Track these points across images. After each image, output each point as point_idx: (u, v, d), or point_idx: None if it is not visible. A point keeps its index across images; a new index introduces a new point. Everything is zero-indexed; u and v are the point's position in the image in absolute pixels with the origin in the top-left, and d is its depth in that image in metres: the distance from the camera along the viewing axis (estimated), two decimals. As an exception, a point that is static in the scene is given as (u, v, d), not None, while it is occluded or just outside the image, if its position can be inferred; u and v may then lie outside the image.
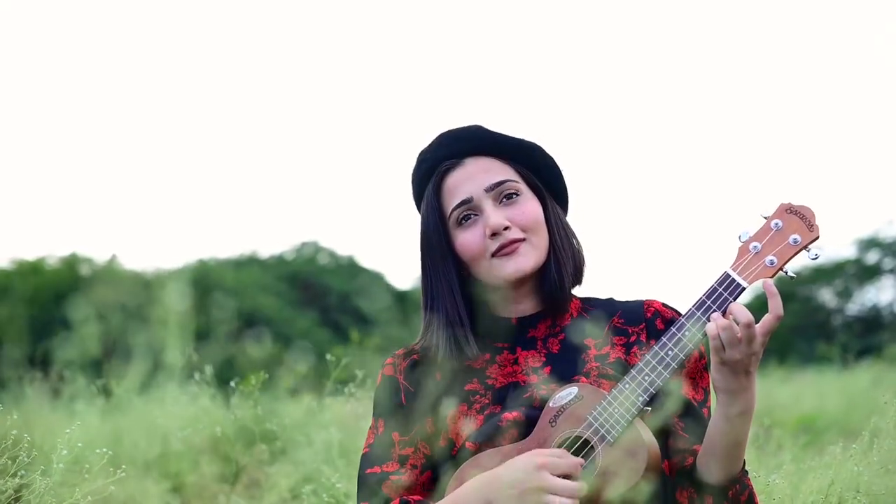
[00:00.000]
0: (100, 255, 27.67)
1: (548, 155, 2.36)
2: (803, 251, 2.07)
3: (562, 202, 2.39)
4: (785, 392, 10.01)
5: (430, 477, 2.22)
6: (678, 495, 2.15)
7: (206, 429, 5.82)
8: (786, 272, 2.08)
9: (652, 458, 2.04)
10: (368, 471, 2.24)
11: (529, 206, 2.29)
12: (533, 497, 2.01)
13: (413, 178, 2.38)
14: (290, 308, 28.01)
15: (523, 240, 2.26)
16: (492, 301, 2.32)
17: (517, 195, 2.29)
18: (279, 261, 32.06)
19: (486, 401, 2.23)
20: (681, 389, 2.19)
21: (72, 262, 27.22)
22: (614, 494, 2.02)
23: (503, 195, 2.28)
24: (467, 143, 2.32)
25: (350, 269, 30.85)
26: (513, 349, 2.30)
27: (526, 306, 2.32)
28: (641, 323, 2.30)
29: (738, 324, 2.00)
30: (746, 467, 2.18)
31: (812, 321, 24.42)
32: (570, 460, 2.04)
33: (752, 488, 2.17)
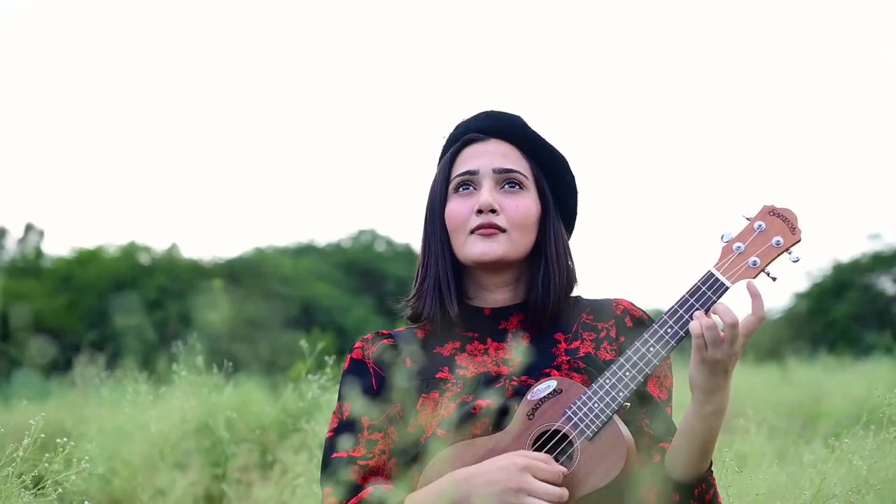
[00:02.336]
0: (159, 244, 27.96)
1: (571, 173, 2.39)
2: (785, 253, 2.08)
3: (568, 222, 2.40)
4: (834, 381, 9.93)
5: (396, 463, 2.22)
6: (645, 491, 2.14)
7: (249, 418, 5.89)
8: (768, 274, 2.09)
9: (631, 454, 2.05)
10: (334, 455, 2.24)
11: (525, 203, 2.30)
12: (513, 498, 2.02)
13: (444, 141, 2.42)
14: (347, 296, 28.15)
15: (504, 231, 2.27)
16: (468, 288, 2.34)
17: (520, 189, 2.31)
18: (336, 249, 32.23)
19: (458, 389, 2.23)
20: (646, 386, 2.21)
21: (131, 251, 27.48)
22: (591, 489, 2.03)
23: (507, 182, 2.30)
24: (501, 125, 2.35)
25: (407, 256, 30.88)
26: (483, 339, 2.31)
27: (500, 297, 2.33)
28: (611, 320, 2.31)
29: (722, 323, 2.02)
30: (712, 467, 2.19)
31: (871, 309, 24.09)
32: (554, 467, 2.04)
33: (716, 487, 2.17)
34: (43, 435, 2.68)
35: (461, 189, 2.32)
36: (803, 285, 25.40)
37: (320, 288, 27.35)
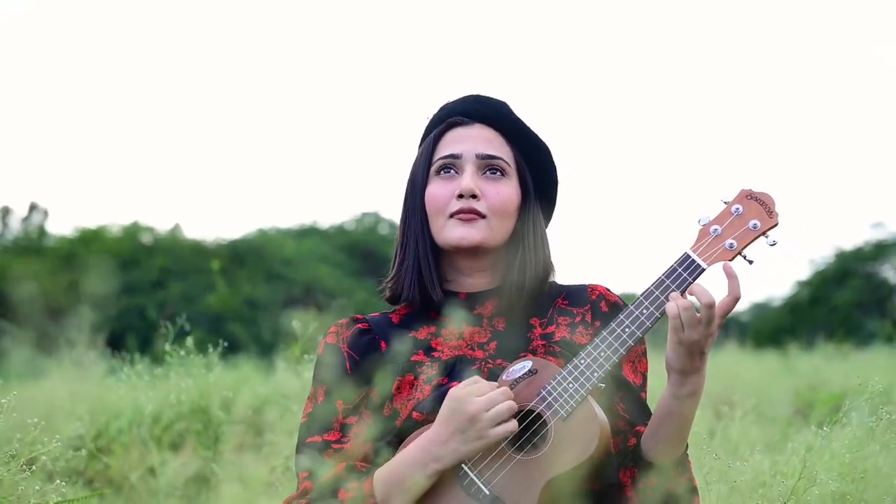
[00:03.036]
0: (162, 224, 27.95)
1: (553, 163, 2.39)
2: (762, 237, 2.09)
3: (547, 210, 2.40)
4: (833, 369, 9.90)
5: (372, 447, 2.21)
6: (621, 475, 2.16)
7: (243, 398, 5.90)
8: (744, 257, 2.09)
9: (604, 435, 2.05)
10: (309, 440, 2.24)
11: (506, 191, 2.30)
12: (473, 429, 2.05)
13: (428, 121, 2.41)
14: (350, 278, 28.15)
15: (484, 217, 2.27)
16: (445, 271, 2.34)
17: (502, 175, 2.30)
18: (339, 231, 32.23)
19: (433, 372, 2.23)
20: (622, 370, 2.22)
21: (133, 231, 27.48)
22: (565, 469, 2.03)
23: (489, 168, 2.30)
24: (487, 110, 2.35)
25: (410, 239, 30.85)
26: (458, 324, 2.30)
27: (476, 282, 2.33)
28: (587, 305, 2.31)
29: (699, 304, 2.02)
30: (688, 450, 2.20)
31: (873, 298, 24.09)
32: (483, 384, 2.08)
33: (692, 470, 2.18)
34: (38, 420, 2.71)
35: (443, 172, 2.32)
36: (805, 273, 25.40)
37: (322, 270, 27.36)
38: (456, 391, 2.08)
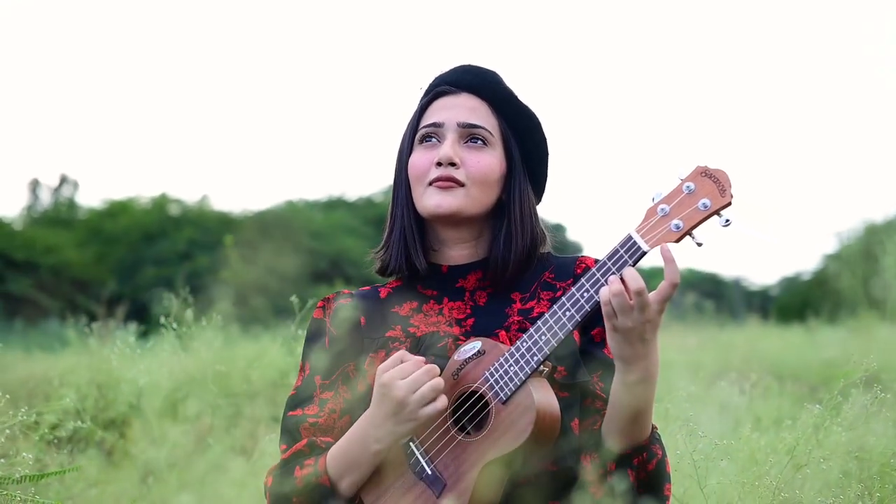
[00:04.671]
0: (190, 196, 28.06)
1: (542, 134, 2.34)
2: (714, 217, 1.93)
3: (537, 187, 2.35)
4: (856, 344, 9.79)
5: (349, 421, 2.21)
6: (584, 459, 2.11)
7: (264, 370, 5.91)
8: (693, 237, 1.96)
9: (542, 420, 1.99)
10: (290, 413, 2.25)
11: (487, 160, 2.25)
12: (403, 412, 2.06)
13: (422, 91, 2.38)
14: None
15: (462, 185, 2.23)
16: (431, 242, 2.32)
17: (484, 144, 2.26)
18: (367, 203, 32.21)
19: (404, 348, 2.21)
20: (603, 350, 2.16)
21: (162, 203, 27.59)
22: (500, 454, 2.01)
23: (470, 137, 2.26)
24: (474, 79, 2.31)
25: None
26: (440, 299, 2.28)
27: (459, 254, 2.30)
28: (570, 278, 2.25)
29: (629, 290, 1.94)
30: (657, 434, 2.14)
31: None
32: (408, 363, 2.07)
33: (662, 456, 2.12)
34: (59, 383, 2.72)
35: (425, 141, 2.29)
36: (832, 247, 25.19)
37: (350, 242, 27.38)
38: (382, 374, 2.07)
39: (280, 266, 25.27)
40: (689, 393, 3.76)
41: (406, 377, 2.05)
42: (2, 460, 2.87)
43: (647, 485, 2.10)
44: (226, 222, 26.28)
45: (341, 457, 2.13)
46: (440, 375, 2.10)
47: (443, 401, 2.06)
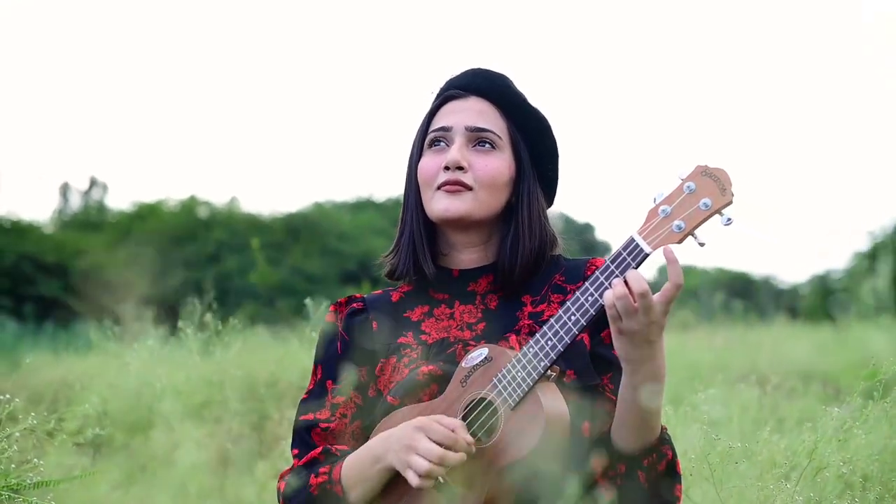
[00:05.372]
0: (219, 198, 28.17)
1: (552, 137, 2.34)
2: (716, 216, 1.93)
3: (548, 186, 2.34)
4: (887, 343, 9.69)
5: (360, 426, 2.23)
6: (594, 461, 2.11)
7: (289, 372, 5.91)
8: (695, 237, 1.95)
9: (551, 425, 1.99)
10: (302, 417, 2.26)
11: (495, 164, 2.25)
12: (403, 455, 2.03)
13: (433, 96, 2.39)
14: (405, 252, 28.16)
15: (471, 189, 2.23)
16: (441, 247, 2.32)
17: (493, 148, 2.26)
18: (395, 204, 32.22)
19: (415, 355, 2.22)
20: (612, 351, 2.14)
21: (190, 205, 27.69)
22: (511, 460, 2.00)
23: (479, 141, 2.26)
24: (483, 83, 2.31)
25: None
26: (451, 303, 2.28)
27: (469, 258, 2.30)
28: (580, 281, 2.23)
29: (633, 293, 1.93)
30: (667, 434, 2.14)
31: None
32: (445, 429, 2.02)
33: (672, 457, 2.12)
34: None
35: (434, 145, 2.30)
36: (865, 244, 25.03)
37: (378, 243, 27.42)
38: (423, 419, 2.06)
39: (308, 268, 25.35)
40: (710, 394, 3.74)
41: (433, 440, 2.02)
42: (21, 466, 2.87)
43: (657, 485, 2.09)
44: (254, 224, 26.35)
45: (355, 466, 2.13)
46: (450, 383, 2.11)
47: (438, 473, 2.02)
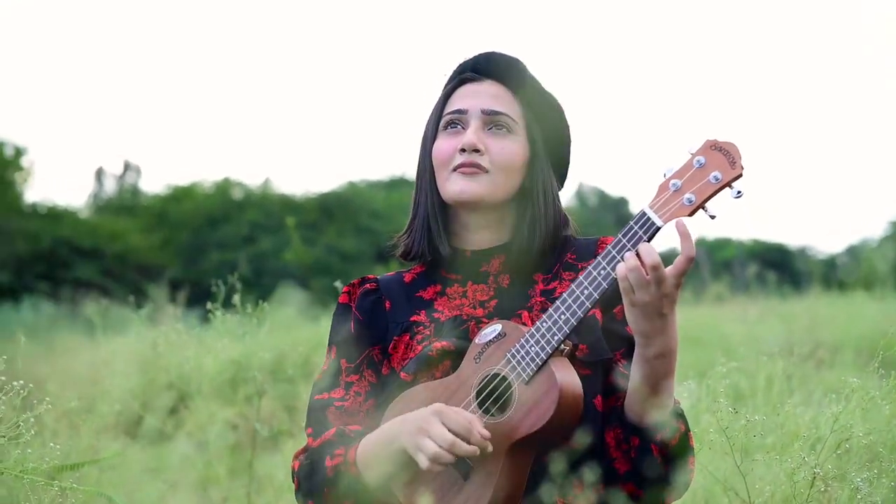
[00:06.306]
0: (252, 179, 28.27)
1: (565, 121, 2.36)
2: (726, 189, 1.96)
3: (559, 170, 2.37)
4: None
5: (374, 404, 2.25)
6: (607, 435, 2.13)
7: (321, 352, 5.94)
8: (706, 210, 1.98)
9: (565, 398, 2.01)
10: (316, 397, 2.28)
11: (511, 147, 2.27)
12: (416, 437, 2.04)
13: (446, 78, 2.41)
14: (439, 229, 28.16)
15: (486, 171, 2.25)
16: (453, 227, 2.34)
17: (508, 132, 2.28)
18: (428, 182, 32.21)
19: (428, 332, 2.24)
20: (625, 327, 2.15)
21: (225, 187, 27.82)
22: (525, 433, 2.02)
23: (494, 124, 2.28)
24: (498, 66, 2.33)
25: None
26: (464, 282, 2.30)
27: (482, 238, 2.32)
28: (591, 259, 2.21)
29: (645, 265, 1.95)
30: (679, 408, 2.14)
31: None
32: (461, 416, 2.02)
33: (685, 430, 2.12)
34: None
35: (450, 127, 2.32)
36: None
37: (411, 221, 27.44)
38: (440, 405, 2.06)
39: (342, 246, 25.42)
40: (738, 366, 3.72)
41: (448, 427, 2.03)
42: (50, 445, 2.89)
43: (670, 459, 2.10)
44: (288, 205, 26.45)
45: (371, 448, 2.14)
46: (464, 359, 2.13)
47: (446, 459, 2.02)
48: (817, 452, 2.72)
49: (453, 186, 2.27)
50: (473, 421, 2.03)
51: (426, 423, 2.04)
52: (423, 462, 2.03)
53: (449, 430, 2.01)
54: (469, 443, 2.01)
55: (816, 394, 4.10)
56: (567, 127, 2.37)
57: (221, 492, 4.31)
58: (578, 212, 30.76)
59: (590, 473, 2.05)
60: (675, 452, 2.10)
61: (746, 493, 2.73)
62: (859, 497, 2.59)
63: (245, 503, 4.18)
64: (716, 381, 3.11)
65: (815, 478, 2.63)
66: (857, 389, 2.75)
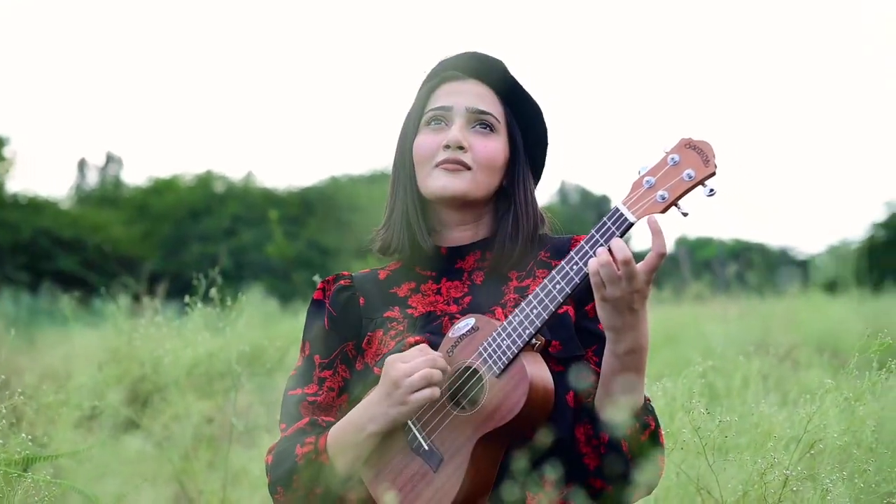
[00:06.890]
0: (235, 173, 28.23)
1: (544, 124, 2.39)
2: (700, 187, 1.97)
3: (535, 171, 2.40)
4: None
5: (347, 399, 2.26)
6: (577, 431, 2.14)
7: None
8: (679, 208, 1.99)
9: (535, 391, 2.02)
10: (290, 392, 2.30)
11: (494, 146, 2.30)
12: (396, 393, 2.06)
13: (426, 75, 2.42)
14: (422, 225, 28.18)
15: (469, 169, 2.27)
16: (430, 223, 2.35)
17: (491, 131, 2.31)
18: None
19: (402, 328, 2.26)
20: (597, 324, 2.17)
21: (207, 180, 27.78)
22: (495, 426, 2.03)
23: (478, 123, 2.31)
24: (482, 66, 2.35)
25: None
26: (438, 279, 2.32)
27: (459, 236, 2.34)
28: (564, 257, 2.23)
29: (616, 260, 1.97)
30: (650, 405, 2.16)
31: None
32: (413, 350, 2.08)
33: (655, 427, 2.14)
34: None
35: (433, 123, 2.34)
36: (882, 215, 24.91)
37: (394, 216, 27.42)
38: (390, 356, 2.10)
39: (323, 241, 25.39)
40: (714, 365, 3.73)
41: (407, 362, 2.07)
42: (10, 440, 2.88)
43: (639, 455, 2.11)
44: (270, 199, 26.42)
45: (340, 435, 2.15)
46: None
47: (435, 391, 2.06)
48: (790, 452, 2.73)
49: (436, 182, 2.28)
50: (422, 349, 2.08)
51: (388, 379, 2.06)
52: (424, 393, 2.04)
53: (407, 364, 2.05)
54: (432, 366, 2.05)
55: (792, 394, 4.12)
56: (545, 129, 2.40)
57: (197, 485, 4.30)
58: (560, 209, 30.83)
59: (559, 469, 2.07)
60: (644, 449, 2.11)
61: (719, 492, 2.74)
62: (829, 498, 2.60)
63: (220, 497, 4.17)
64: (692, 379, 3.13)
65: (787, 478, 2.64)
66: (832, 390, 2.77)
